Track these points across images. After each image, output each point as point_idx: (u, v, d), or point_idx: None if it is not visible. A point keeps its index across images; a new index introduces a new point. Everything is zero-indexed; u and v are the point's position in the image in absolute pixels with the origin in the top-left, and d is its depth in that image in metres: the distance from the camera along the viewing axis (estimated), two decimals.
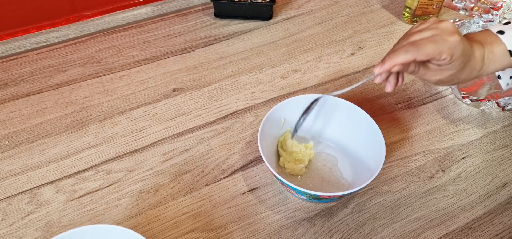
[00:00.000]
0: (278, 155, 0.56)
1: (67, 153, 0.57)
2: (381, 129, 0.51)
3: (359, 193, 0.53)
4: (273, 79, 0.68)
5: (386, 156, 0.56)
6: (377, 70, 0.45)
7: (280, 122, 0.56)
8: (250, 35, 0.76)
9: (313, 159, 0.56)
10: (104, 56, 0.72)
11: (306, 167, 0.55)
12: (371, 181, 0.47)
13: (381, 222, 0.50)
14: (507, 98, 0.60)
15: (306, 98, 0.55)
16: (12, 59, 0.71)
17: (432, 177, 0.55)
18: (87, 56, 0.72)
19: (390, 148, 0.58)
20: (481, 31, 0.49)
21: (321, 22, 0.80)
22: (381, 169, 0.47)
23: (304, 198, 0.50)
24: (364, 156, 0.53)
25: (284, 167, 0.55)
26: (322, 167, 0.56)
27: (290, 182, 0.46)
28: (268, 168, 0.49)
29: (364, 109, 0.54)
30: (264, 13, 0.79)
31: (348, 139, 0.56)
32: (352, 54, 0.73)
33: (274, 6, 0.79)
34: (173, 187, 0.53)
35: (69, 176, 0.54)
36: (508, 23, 0.48)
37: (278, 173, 0.49)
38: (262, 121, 0.53)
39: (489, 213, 0.51)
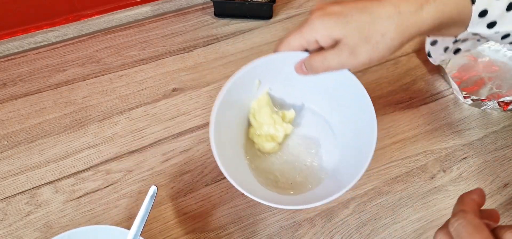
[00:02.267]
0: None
1: (66, 153, 0.57)
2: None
3: (359, 194, 0.53)
4: None
5: (387, 156, 0.56)
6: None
7: (252, 85, 0.47)
8: (250, 35, 0.76)
9: (290, 134, 0.48)
10: (103, 56, 0.71)
11: (280, 144, 0.48)
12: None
13: (382, 223, 0.50)
14: (508, 98, 0.60)
15: (288, 56, 0.45)
16: (11, 59, 0.71)
17: (433, 177, 0.55)
18: (86, 56, 0.71)
19: (391, 148, 0.58)
20: None
21: None
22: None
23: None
24: (353, 137, 0.47)
25: (254, 142, 0.47)
26: (298, 147, 0.48)
27: (247, 186, 0.39)
28: (218, 164, 0.41)
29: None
30: (264, 13, 0.79)
31: (336, 111, 0.49)
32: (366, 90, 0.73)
33: (274, 5, 0.79)
34: (172, 187, 0.53)
35: (68, 176, 0.54)
36: None
37: (247, 145, 0.43)
38: (217, 103, 0.44)
39: None
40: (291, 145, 0.48)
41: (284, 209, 0.51)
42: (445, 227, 0.32)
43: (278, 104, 0.50)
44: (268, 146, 0.47)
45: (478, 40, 0.47)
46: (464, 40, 0.47)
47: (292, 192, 0.47)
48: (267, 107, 0.47)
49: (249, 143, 0.48)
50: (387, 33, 0.39)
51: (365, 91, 0.46)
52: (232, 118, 0.47)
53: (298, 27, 0.44)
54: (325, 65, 0.43)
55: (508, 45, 0.50)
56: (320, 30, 0.41)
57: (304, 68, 0.45)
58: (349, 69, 0.46)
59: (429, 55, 0.52)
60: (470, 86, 0.65)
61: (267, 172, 0.47)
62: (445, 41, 0.49)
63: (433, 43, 0.51)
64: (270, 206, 0.47)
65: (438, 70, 0.68)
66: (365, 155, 0.42)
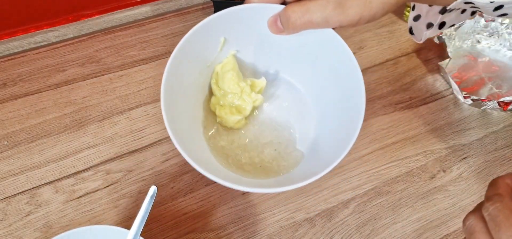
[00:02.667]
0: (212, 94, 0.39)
1: (66, 153, 0.57)
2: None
3: (359, 194, 0.53)
4: None
5: (387, 156, 0.56)
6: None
7: (216, 43, 0.38)
8: None
9: (259, 107, 0.40)
10: (103, 56, 0.71)
11: (246, 118, 0.40)
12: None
13: (382, 223, 0.50)
14: (508, 98, 0.60)
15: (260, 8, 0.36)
16: (11, 59, 0.71)
17: (433, 177, 0.55)
18: (86, 55, 0.71)
19: (391, 148, 0.58)
20: None
21: None
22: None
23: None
24: (335, 111, 0.40)
25: (215, 114, 0.39)
26: (269, 122, 0.39)
27: (206, 167, 0.33)
28: (174, 143, 0.35)
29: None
30: None
31: (316, 81, 0.41)
32: (353, 53, 0.72)
33: None
34: (172, 187, 0.53)
35: (68, 176, 0.54)
36: None
37: (206, 118, 0.34)
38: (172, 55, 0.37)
39: None
40: (260, 120, 0.39)
41: (288, 208, 0.51)
42: (477, 210, 0.31)
43: (246, 71, 0.41)
44: (232, 119, 0.39)
45: (463, 12, 0.42)
46: (450, 11, 0.42)
47: (262, 176, 0.39)
48: (233, 73, 0.39)
49: (210, 115, 0.39)
50: None
51: (351, 54, 0.39)
52: (189, 83, 0.38)
53: None
54: (306, 19, 0.35)
55: (497, 18, 0.47)
56: None
57: (279, 24, 0.37)
58: (334, 29, 0.39)
59: (411, 32, 0.48)
60: (470, 86, 0.65)
61: (228, 150, 0.38)
62: (429, 16, 0.45)
63: (416, 18, 0.47)
64: (254, 193, 0.42)
65: (438, 70, 0.68)
66: (352, 130, 0.36)
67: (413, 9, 0.48)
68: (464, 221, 0.32)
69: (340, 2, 0.34)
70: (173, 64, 0.38)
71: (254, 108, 0.39)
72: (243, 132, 0.39)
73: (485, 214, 0.30)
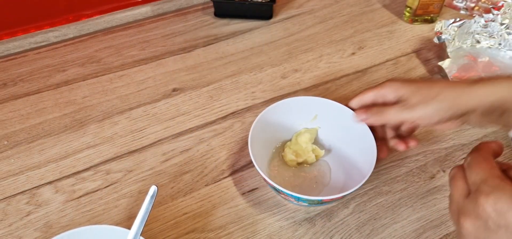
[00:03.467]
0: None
1: (66, 153, 0.57)
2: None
3: (359, 193, 0.53)
4: (273, 79, 0.68)
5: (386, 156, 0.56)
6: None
7: (309, 114, 0.56)
8: (250, 35, 0.76)
9: (310, 164, 0.55)
10: (103, 56, 0.71)
11: (298, 164, 0.54)
12: (368, 178, 0.46)
13: (382, 222, 0.50)
14: None
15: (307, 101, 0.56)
16: (11, 59, 0.71)
17: (433, 177, 0.55)
18: (86, 56, 0.71)
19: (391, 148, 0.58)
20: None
21: (322, 21, 0.79)
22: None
23: (305, 204, 0.49)
24: (355, 159, 0.53)
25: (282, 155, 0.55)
26: (313, 169, 0.55)
27: (284, 187, 0.45)
28: (259, 172, 0.47)
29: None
30: (264, 13, 0.79)
31: (338, 141, 0.56)
32: (353, 53, 0.73)
33: (274, 5, 0.79)
34: (172, 187, 0.53)
35: (68, 176, 0.54)
36: None
37: (273, 156, 0.52)
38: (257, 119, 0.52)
39: None
40: (306, 169, 0.55)
41: (288, 208, 0.51)
42: (460, 165, 0.38)
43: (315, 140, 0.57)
44: (289, 158, 0.53)
45: None
46: None
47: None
48: (309, 136, 0.55)
49: (277, 157, 0.55)
50: (440, 93, 0.44)
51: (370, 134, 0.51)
52: (275, 126, 0.54)
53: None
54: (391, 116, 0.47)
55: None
56: (388, 85, 0.48)
57: (367, 115, 0.50)
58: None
59: None
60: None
61: (291, 184, 0.53)
62: None
63: None
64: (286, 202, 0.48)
65: (438, 70, 0.68)
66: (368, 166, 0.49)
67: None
68: (449, 174, 0.38)
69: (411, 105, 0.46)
70: (269, 110, 0.53)
71: (305, 161, 0.54)
72: (295, 174, 0.54)
73: (465, 164, 0.37)
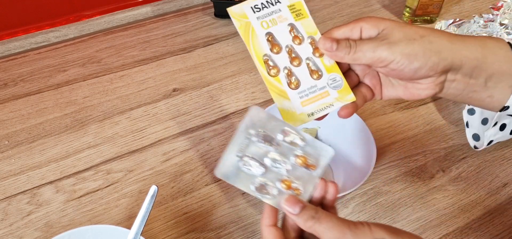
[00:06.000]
0: None
1: (67, 153, 0.57)
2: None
3: (359, 193, 0.53)
4: None
5: (386, 156, 0.57)
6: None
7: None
8: None
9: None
10: (104, 56, 0.72)
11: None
12: (367, 178, 0.46)
13: (382, 222, 0.50)
14: None
15: None
16: (12, 59, 0.71)
17: (432, 177, 0.55)
18: (87, 56, 0.72)
19: (391, 147, 0.58)
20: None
21: (322, 22, 0.79)
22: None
23: None
24: (354, 159, 0.53)
25: None
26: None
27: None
28: None
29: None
30: None
31: (337, 141, 0.56)
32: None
33: None
34: (173, 187, 0.53)
35: (68, 176, 0.54)
36: None
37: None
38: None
39: (490, 213, 0.51)
40: None
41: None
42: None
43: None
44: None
45: None
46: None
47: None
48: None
49: None
50: (428, 35, 0.38)
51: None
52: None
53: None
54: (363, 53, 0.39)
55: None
56: (367, 19, 0.39)
57: (336, 46, 0.40)
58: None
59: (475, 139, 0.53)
60: None
61: None
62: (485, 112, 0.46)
63: (471, 111, 0.49)
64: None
65: None
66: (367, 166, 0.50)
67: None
68: None
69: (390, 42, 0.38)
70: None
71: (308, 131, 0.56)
72: None
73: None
